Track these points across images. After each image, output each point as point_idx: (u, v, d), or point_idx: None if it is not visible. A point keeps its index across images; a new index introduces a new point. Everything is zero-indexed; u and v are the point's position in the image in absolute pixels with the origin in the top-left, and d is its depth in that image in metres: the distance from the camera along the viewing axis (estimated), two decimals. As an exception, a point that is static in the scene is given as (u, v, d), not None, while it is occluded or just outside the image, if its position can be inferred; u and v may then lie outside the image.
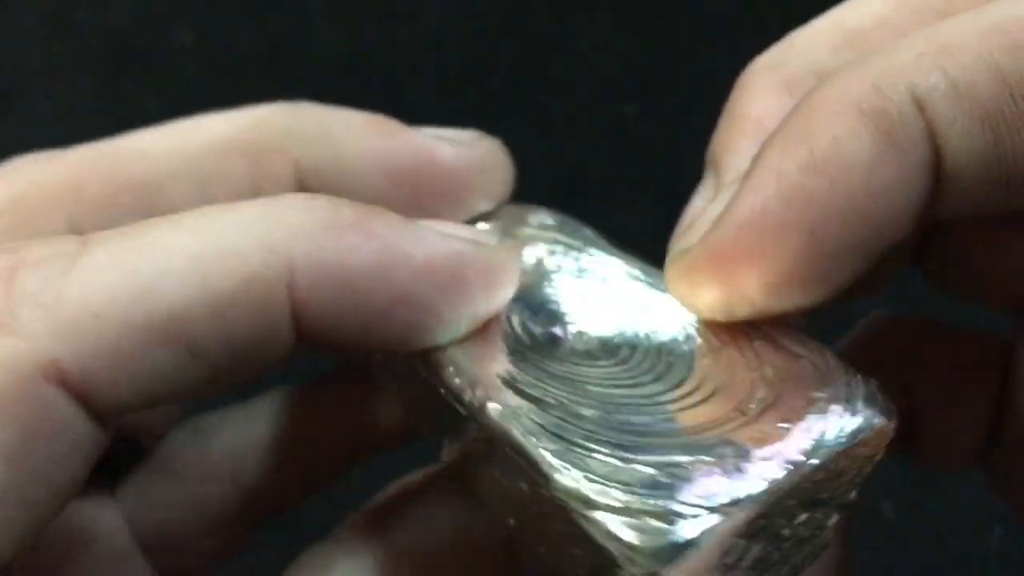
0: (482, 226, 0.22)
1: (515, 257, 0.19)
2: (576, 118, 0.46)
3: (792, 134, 0.17)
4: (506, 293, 0.18)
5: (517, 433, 0.16)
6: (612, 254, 0.21)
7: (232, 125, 0.21)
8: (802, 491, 0.16)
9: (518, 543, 0.19)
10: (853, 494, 0.18)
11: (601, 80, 0.47)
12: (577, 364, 0.18)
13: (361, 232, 0.16)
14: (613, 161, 0.45)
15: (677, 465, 0.16)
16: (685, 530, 0.15)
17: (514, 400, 0.17)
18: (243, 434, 0.23)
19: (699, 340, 0.19)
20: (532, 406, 0.17)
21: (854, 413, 0.17)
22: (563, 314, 0.20)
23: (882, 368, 0.18)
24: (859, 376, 0.17)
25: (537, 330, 0.19)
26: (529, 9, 0.47)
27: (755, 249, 0.17)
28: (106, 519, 0.22)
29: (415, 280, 0.16)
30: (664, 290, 0.19)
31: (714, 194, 0.20)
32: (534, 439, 0.16)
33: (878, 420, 0.17)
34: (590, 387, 0.18)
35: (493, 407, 0.17)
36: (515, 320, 0.19)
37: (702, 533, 0.15)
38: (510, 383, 0.17)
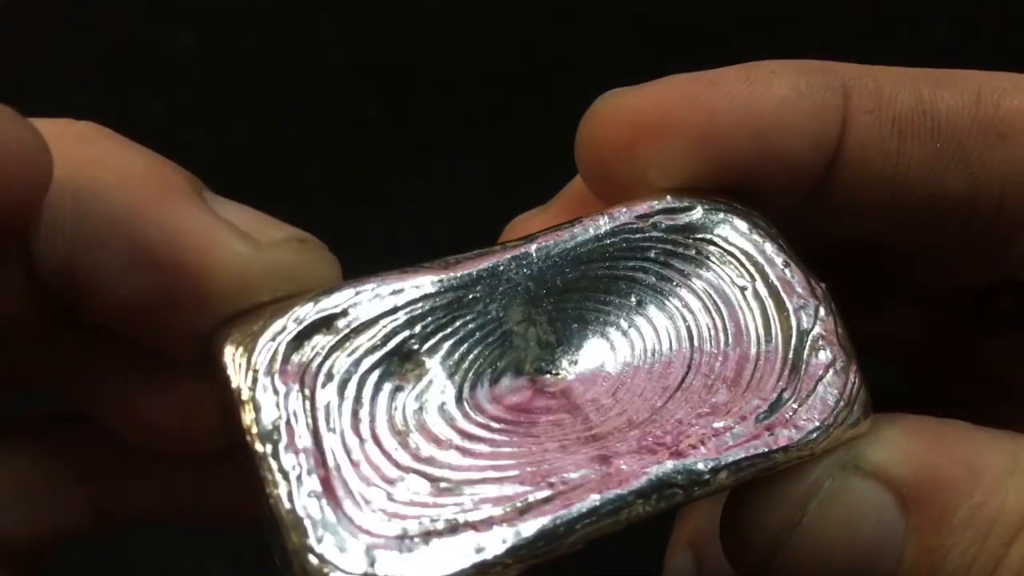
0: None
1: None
2: (577, 118, 0.46)
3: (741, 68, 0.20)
4: None
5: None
6: None
7: None
8: None
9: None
10: None
11: (602, 80, 0.47)
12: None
13: None
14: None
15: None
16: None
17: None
18: None
19: None
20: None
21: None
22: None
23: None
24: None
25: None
26: (530, 10, 0.48)
27: (668, 108, 0.20)
28: None
29: None
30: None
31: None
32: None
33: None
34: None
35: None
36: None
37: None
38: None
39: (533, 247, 0.19)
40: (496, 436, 0.17)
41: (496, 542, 0.16)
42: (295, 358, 0.17)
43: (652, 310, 0.19)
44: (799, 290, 0.19)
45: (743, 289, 0.19)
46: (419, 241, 0.42)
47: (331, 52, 0.47)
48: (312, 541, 0.15)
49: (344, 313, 0.17)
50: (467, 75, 0.46)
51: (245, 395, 0.16)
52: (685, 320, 0.19)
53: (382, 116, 0.45)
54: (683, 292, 0.19)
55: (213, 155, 0.45)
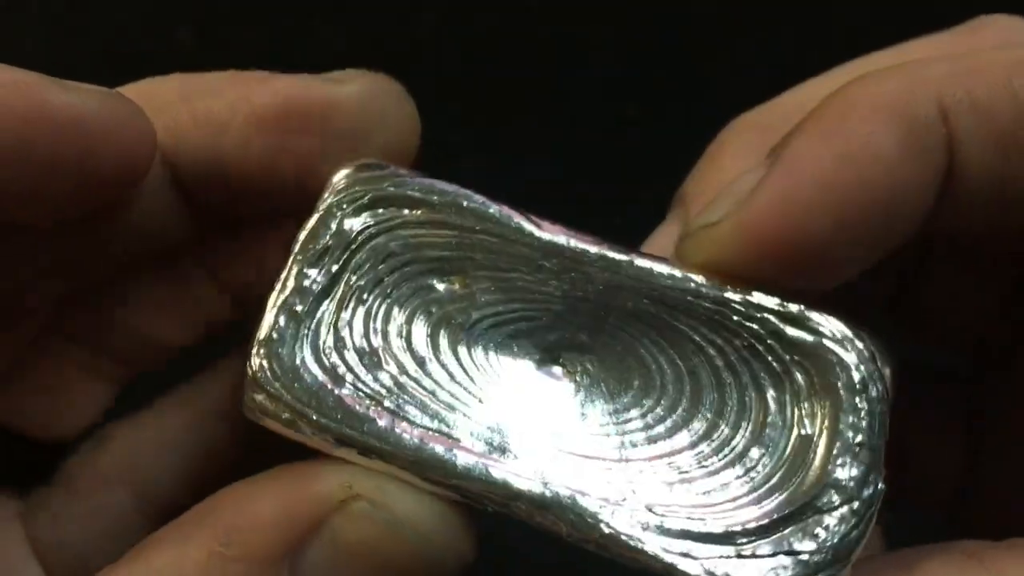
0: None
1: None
2: (576, 118, 0.46)
3: (827, 125, 0.18)
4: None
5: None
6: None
7: (91, 100, 0.20)
8: None
9: None
10: None
11: (601, 80, 0.47)
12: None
13: None
14: (613, 161, 0.45)
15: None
16: None
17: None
18: (143, 440, 0.23)
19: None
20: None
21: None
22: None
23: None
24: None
25: None
26: (529, 9, 0.48)
27: (785, 226, 0.17)
28: (4, 535, 0.22)
29: None
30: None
31: (681, 228, 0.21)
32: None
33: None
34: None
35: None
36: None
37: None
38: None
39: (631, 260, 0.19)
40: (468, 385, 0.18)
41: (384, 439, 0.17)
42: (369, 217, 0.19)
43: (698, 386, 0.18)
44: (852, 473, 0.17)
45: (802, 437, 0.17)
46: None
47: (328, 49, 0.47)
48: (267, 353, 0.17)
49: (430, 204, 0.19)
50: (467, 75, 0.46)
51: (316, 213, 0.19)
52: (719, 425, 0.17)
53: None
54: (741, 396, 0.18)
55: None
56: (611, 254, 0.19)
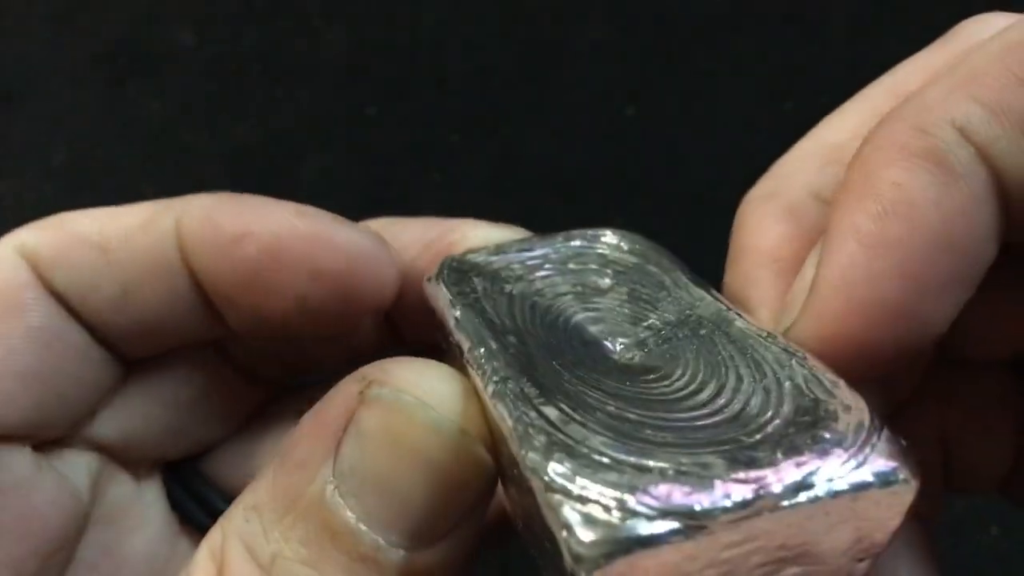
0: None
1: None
2: (576, 118, 0.46)
3: (855, 191, 0.18)
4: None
5: (507, 402, 0.17)
6: (691, 284, 0.21)
7: (157, 226, 0.23)
8: (782, 533, 0.15)
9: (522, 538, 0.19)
10: (862, 565, 0.16)
11: (601, 81, 0.47)
12: (613, 375, 0.18)
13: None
14: (613, 161, 0.45)
15: (651, 470, 0.15)
16: (634, 527, 0.15)
17: (517, 379, 0.17)
18: None
19: (747, 363, 0.18)
20: (536, 388, 0.17)
21: (859, 465, 0.15)
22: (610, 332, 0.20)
23: (912, 400, 0.19)
24: (887, 432, 0.16)
25: (580, 345, 0.19)
26: (529, 11, 0.48)
27: (856, 304, 0.17)
28: None
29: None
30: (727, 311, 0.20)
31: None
32: (522, 408, 0.16)
33: (890, 479, 0.15)
34: (617, 391, 0.18)
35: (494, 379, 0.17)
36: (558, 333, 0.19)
37: (650, 535, 0.14)
38: (526, 370, 0.18)
39: (725, 314, 0.19)
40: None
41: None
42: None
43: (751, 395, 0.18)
44: None
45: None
46: (419, 240, 0.42)
47: (328, 51, 0.47)
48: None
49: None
50: (467, 75, 0.46)
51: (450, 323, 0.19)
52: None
53: (382, 115, 0.45)
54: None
55: (213, 155, 0.45)
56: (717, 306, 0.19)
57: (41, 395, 0.23)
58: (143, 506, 0.26)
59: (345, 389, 0.18)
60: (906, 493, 0.16)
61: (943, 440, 0.23)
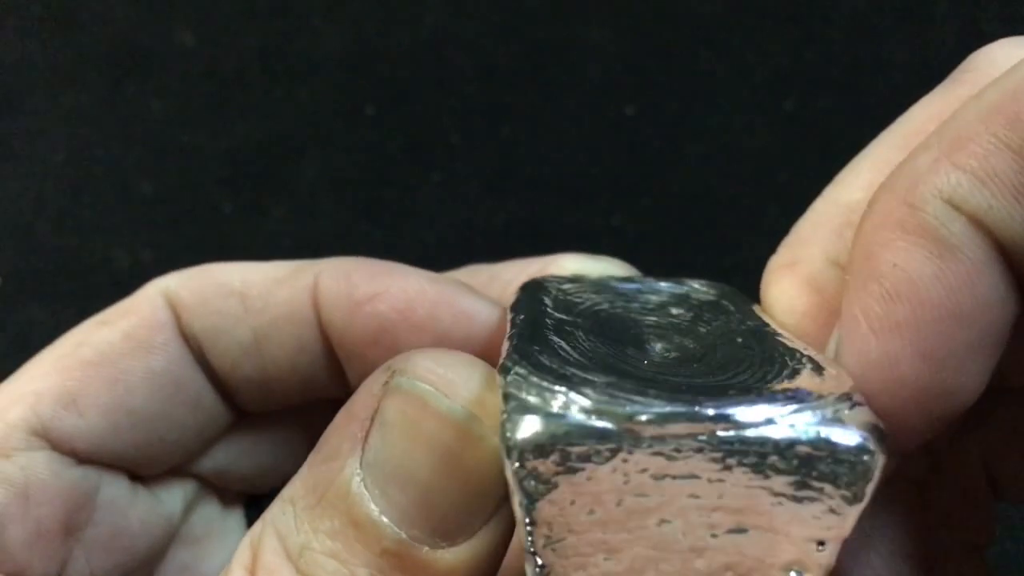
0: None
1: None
2: (576, 118, 0.46)
3: (860, 273, 0.18)
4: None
5: (508, 346, 0.17)
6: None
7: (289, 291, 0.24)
8: (726, 479, 0.15)
9: None
10: (824, 553, 0.15)
11: (601, 81, 0.47)
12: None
13: None
14: (613, 161, 0.45)
15: (608, 384, 0.15)
16: (570, 419, 0.15)
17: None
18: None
19: (765, 348, 0.19)
20: (542, 343, 0.17)
21: (829, 424, 0.15)
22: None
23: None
24: (868, 409, 0.16)
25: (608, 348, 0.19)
26: (529, 10, 0.48)
27: (877, 387, 0.17)
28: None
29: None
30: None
31: None
32: (520, 350, 0.17)
33: (855, 446, 0.15)
34: (625, 356, 0.18)
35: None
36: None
37: (581, 426, 0.14)
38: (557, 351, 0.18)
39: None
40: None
41: None
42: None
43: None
44: None
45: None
46: (419, 241, 0.42)
47: (329, 50, 0.47)
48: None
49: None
50: (467, 75, 0.46)
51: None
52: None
53: (382, 115, 0.45)
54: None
55: (213, 155, 0.45)
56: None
57: (145, 436, 0.23)
58: (226, 531, 0.26)
59: (374, 379, 0.18)
60: (871, 462, 0.15)
61: (988, 464, 0.23)
